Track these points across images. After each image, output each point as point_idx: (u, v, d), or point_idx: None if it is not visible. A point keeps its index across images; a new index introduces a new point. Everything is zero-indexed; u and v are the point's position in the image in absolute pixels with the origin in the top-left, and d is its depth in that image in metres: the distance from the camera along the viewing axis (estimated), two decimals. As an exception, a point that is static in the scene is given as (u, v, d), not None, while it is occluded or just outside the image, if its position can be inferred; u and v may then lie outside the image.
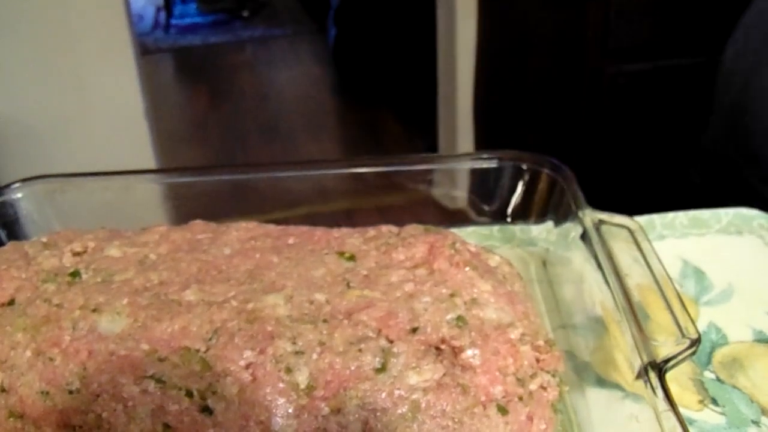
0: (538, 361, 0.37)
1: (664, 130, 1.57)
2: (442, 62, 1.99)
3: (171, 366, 0.35)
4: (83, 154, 1.64)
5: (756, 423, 0.43)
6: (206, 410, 0.34)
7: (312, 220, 0.51)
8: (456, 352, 0.36)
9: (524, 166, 0.55)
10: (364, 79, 2.96)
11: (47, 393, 0.36)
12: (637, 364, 0.36)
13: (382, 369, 0.34)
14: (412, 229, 0.45)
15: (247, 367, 0.34)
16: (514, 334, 0.37)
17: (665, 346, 0.36)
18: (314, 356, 0.35)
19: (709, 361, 0.47)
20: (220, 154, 2.64)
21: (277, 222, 0.49)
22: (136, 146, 1.69)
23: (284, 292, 0.38)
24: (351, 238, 0.45)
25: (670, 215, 0.60)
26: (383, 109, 2.84)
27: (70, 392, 0.35)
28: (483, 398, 0.35)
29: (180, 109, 3.10)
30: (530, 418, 0.35)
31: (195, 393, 0.34)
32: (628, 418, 0.37)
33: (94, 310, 0.38)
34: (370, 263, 0.42)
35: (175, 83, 3.53)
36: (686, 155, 1.61)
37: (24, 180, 0.55)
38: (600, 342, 0.43)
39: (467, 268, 0.41)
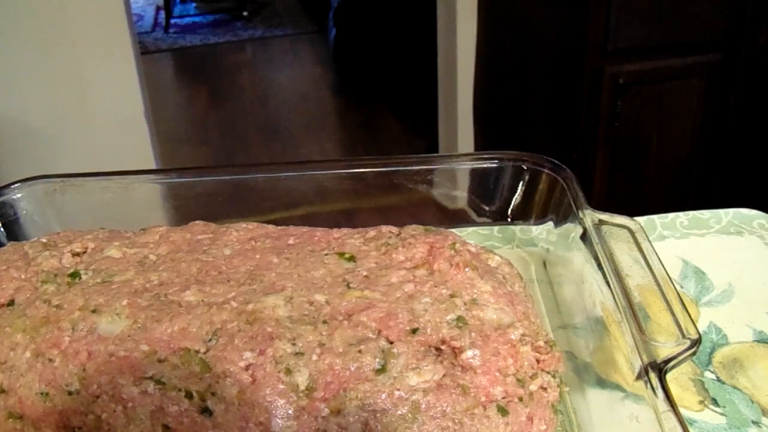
0: (538, 361, 0.37)
1: (664, 130, 1.57)
2: (442, 62, 1.99)
3: (170, 367, 0.35)
4: (83, 154, 1.64)
5: (756, 423, 0.43)
6: (206, 411, 0.34)
7: (312, 220, 0.51)
8: (456, 352, 0.36)
9: (524, 167, 0.55)
10: (364, 79, 2.96)
11: (47, 394, 0.36)
12: (638, 364, 0.36)
13: (382, 370, 0.34)
14: (412, 229, 0.45)
15: (247, 368, 0.34)
16: (514, 335, 0.37)
17: (666, 346, 0.36)
18: (314, 357, 0.35)
19: (709, 362, 0.47)
20: (220, 154, 2.64)
21: (277, 222, 0.49)
22: (136, 146, 1.69)
23: (284, 293, 0.38)
24: (351, 238, 0.44)
25: (671, 215, 0.60)
26: (383, 110, 2.84)
27: (70, 393, 0.35)
28: (483, 399, 0.35)
29: (180, 109, 3.11)
30: (530, 419, 0.35)
31: (194, 394, 0.34)
32: (628, 419, 0.37)
33: (93, 311, 0.38)
34: (370, 264, 0.42)
35: (175, 83, 3.53)
36: (687, 153, 1.61)
37: (24, 180, 0.55)
38: (600, 342, 0.43)
39: (467, 269, 0.41)
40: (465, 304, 0.38)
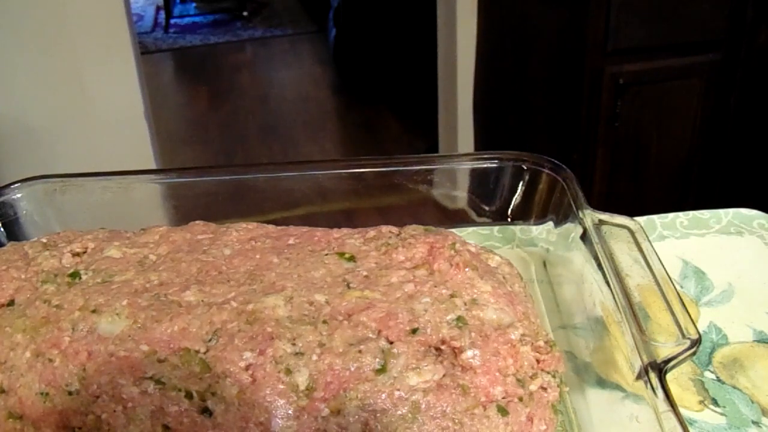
0: (538, 361, 0.37)
1: (664, 130, 1.57)
2: (442, 62, 1.99)
3: (170, 367, 0.35)
4: (83, 154, 1.64)
5: (756, 423, 0.43)
6: (206, 411, 0.34)
7: (312, 220, 0.51)
8: (456, 352, 0.36)
9: (524, 167, 0.55)
10: (364, 79, 2.96)
11: (47, 394, 0.36)
12: (638, 364, 0.36)
13: (382, 370, 0.34)
14: (412, 229, 0.45)
15: (247, 368, 0.34)
16: (514, 335, 0.37)
17: (666, 346, 0.36)
18: (314, 357, 0.35)
19: (709, 362, 0.47)
20: (220, 154, 2.64)
21: (277, 222, 0.49)
22: (136, 146, 1.69)
23: (284, 293, 0.38)
24: (351, 238, 0.44)
25: (671, 215, 0.60)
26: (383, 110, 2.84)
27: (70, 393, 0.35)
28: (483, 399, 0.35)
29: (180, 109, 3.10)
30: (530, 419, 0.35)
31: (194, 394, 0.34)
32: (628, 419, 0.37)
33: (93, 311, 0.38)
34: (370, 264, 0.42)
35: (175, 83, 3.53)
36: (687, 153, 1.61)
37: (24, 180, 0.55)
38: (600, 342, 0.43)
39: (467, 269, 0.41)
40: (465, 304, 0.38)
